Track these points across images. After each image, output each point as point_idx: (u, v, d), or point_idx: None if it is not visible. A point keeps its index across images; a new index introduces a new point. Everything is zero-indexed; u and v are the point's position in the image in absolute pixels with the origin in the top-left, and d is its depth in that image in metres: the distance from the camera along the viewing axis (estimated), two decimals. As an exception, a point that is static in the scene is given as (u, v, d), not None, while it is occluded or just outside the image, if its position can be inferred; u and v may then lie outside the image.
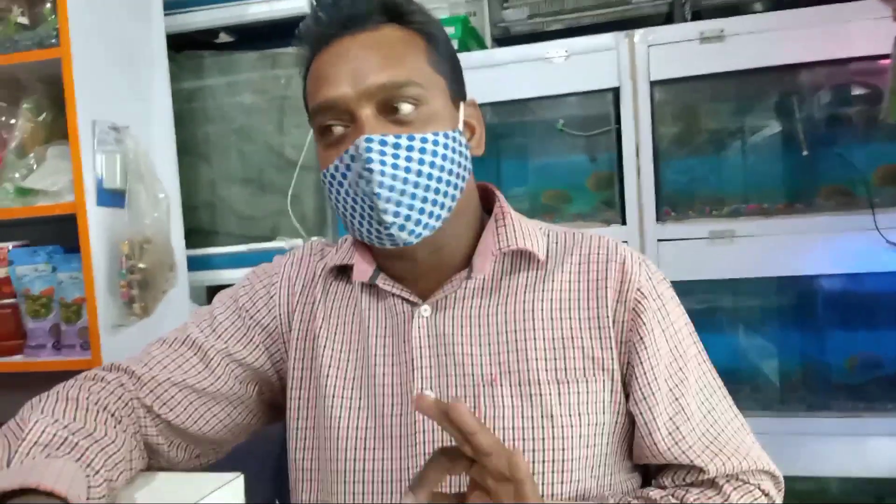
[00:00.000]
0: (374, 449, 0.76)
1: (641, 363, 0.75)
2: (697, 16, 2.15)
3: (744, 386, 2.20)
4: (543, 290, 0.78)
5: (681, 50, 2.07)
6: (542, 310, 0.77)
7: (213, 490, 0.63)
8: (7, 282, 1.52)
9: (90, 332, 1.40)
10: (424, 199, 0.72)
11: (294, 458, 0.82)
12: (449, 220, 0.75)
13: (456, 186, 0.74)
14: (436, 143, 0.72)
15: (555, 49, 2.16)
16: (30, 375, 1.52)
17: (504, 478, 0.59)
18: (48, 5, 1.39)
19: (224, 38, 1.95)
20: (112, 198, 1.43)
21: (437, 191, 0.72)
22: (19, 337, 1.53)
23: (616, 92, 2.15)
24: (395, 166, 0.70)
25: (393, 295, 0.80)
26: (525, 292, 0.78)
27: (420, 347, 0.77)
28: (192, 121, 1.79)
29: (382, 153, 0.69)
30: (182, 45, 1.82)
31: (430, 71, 0.75)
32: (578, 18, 2.25)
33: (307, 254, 0.90)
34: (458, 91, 0.79)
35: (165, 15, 1.65)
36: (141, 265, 1.43)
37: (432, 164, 0.71)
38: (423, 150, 0.71)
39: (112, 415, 0.72)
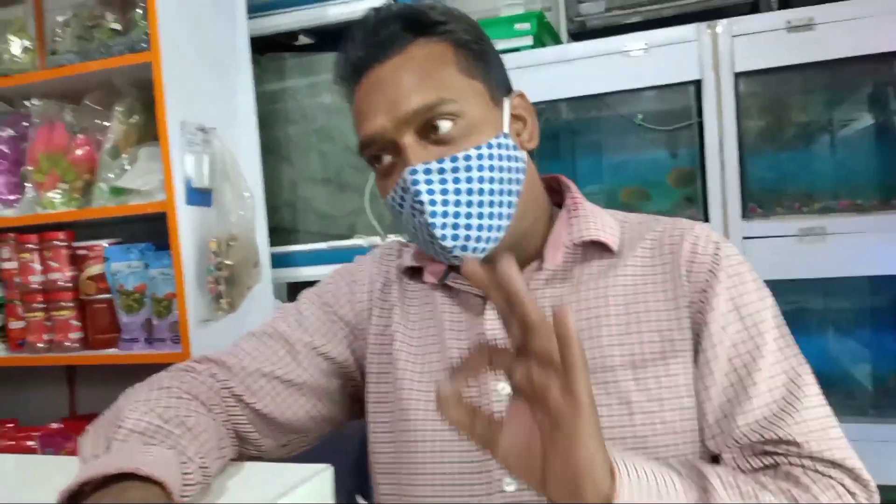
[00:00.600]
0: (451, 441, 0.76)
1: (703, 341, 0.72)
2: (785, 4, 2.06)
3: (835, 391, 2.10)
4: (616, 276, 0.76)
5: (767, 40, 2.00)
6: (616, 295, 0.75)
7: (303, 480, 0.64)
8: (103, 278, 1.59)
9: (180, 326, 1.45)
10: (481, 216, 0.71)
11: (374, 453, 0.83)
12: (514, 222, 0.75)
13: (511, 192, 0.74)
14: (480, 156, 0.71)
15: (633, 42, 2.11)
16: (124, 367, 1.59)
17: (552, 365, 0.51)
18: (139, 11, 1.45)
19: (304, 39, 1.99)
20: (200, 197, 1.48)
21: (491, 203, 0.72)
22: (114, 330, 1.60)
23: (698, 85, 2.09)
24: (443, 192, 0.70)
25: (464, 291, 0.81)
26: (597, 279, 0.77)
27: (494, 340, 0.76)
28: (274, 122, 1.84)
29: (429, 181, 0.70)
30: (264, 48, 1.87)
31: (463, 79, 0.74)
32: (658, 10, 2.19)
33: (386, 253, 0.91)
34: (499, 88, 0.78)
35: (249, 18, 1.70)
36: (228, 262, 1.47)
37: (481, 179, 0.71)
38: (468, 168, 0.71)
39: (203, 403, 0.75)
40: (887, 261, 1.91)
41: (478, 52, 0.76)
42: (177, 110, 1.43)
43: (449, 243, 0.71)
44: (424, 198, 0.70)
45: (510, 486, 0.72)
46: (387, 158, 0.75)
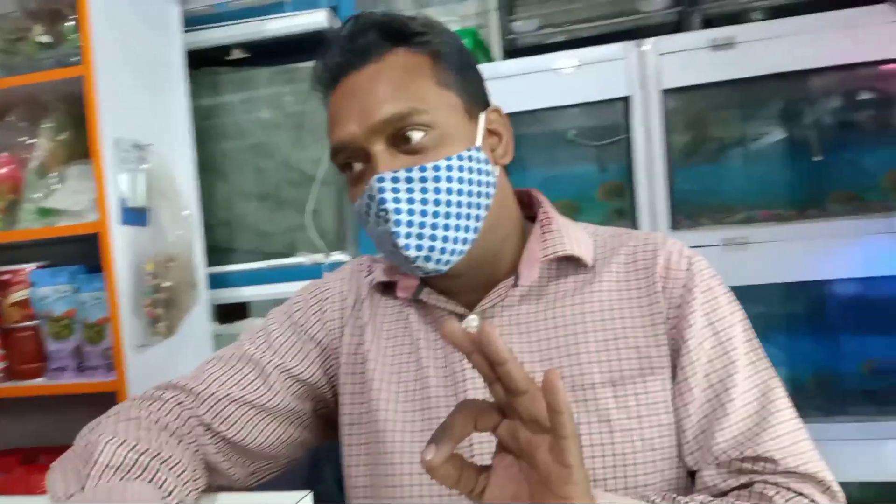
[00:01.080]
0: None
1: (681, 358, 0.73)
2: (708, 24, 2.16)
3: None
4: (592, 292, 0.77)
5: (692, 58, 2.09)
6: (592, 311, 0.75)
7: (285, 512, 0.63)
8: (27, 304, 1.49)
9: (115, 353, 1.38)
10: (447, 227, 0.71)
11: (350, 476, 0.81)
12: (482, 237, 0.74)
13: (479, 205, 0.73)
14: (449, 167, 0.71)
15: (565, 60, 2.16)
16: (52, 398, 1.50)
17: (539, 427, 0.52)
18: (70, 23, 1.38)
19: (237, 54, 1.94)
20: (135, 216, 1.42)
21: (458, 216, 0.71)
22: (41, 359, 1.51)
23: (626, 101, 2.16)
24: (409, 201, 0.69)
25: (439, 308, 0.80)
26: (573, 295, 0.77)
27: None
28: (209, 137, 1.78)
29: (395, 190, 0.69)
30: (197, 63, 1.82)
31: (438, 91, 0.73)
32: (588, 29, 2.25)
33: (356, 269, 0.90)
34: (475, 102, 0.77)
35: (183, 32, 1.64)
36: (166, 284, 1.41)
37: (449, 191, 0.71)
38: (437, 179, 0.70)
39: (173, 434, 0.71)
40: (807, 267, 2.02)
41: (456, 65, 0.76)
42: (110, 126, 1.37)
43: (412, 253, 0.70)
44: (389, 206, 0.69)
45: None
46: (357, 166, 0.74)
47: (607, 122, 2.22)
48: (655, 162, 2.14)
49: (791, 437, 0.72)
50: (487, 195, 0.74)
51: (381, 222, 0.70)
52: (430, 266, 0.72)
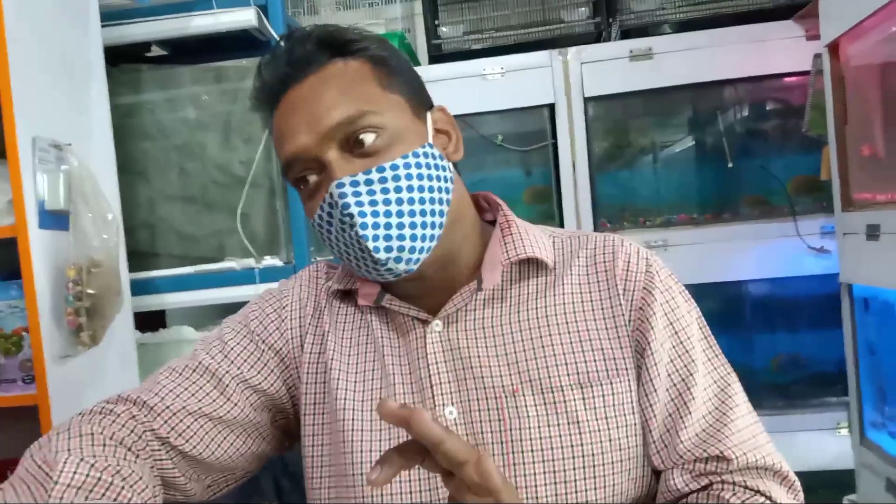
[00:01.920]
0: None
1: (646, 359, 0.74)
2: (625, 35, 2.24)
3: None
4: (555, 295, 0.77)
5: (612, 67, 2.16)
6: (556, 314, 0.75)
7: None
8: (-69, 314, 1.38)
9: (34, 364, 1.29)
10: (413, 225, 0.70)
11: (312, 489, 0.79)
12: (445, 234, 0.74)
13: (441, 201, 0.73)
14: (407, 165, 0.70)
15: (491, 66, 2.20)
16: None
17: (484, 490, 0.55)
18: (-20, 15, 1.29)
19: (157, 51, 1.87)
20: (55, 220, 1.34)
21: (423, 212, 0.71)
22: (-53, 373, 1.40)
23: (552, 108, 2.21)
24: (372, 203, 0.69)
25: (401, 314, 0.78)
26: (536, 299, 0.77)
27: (437, 363, 0.75)
28: (129, 137, 1.70)
29: (357, 194, 0.68)
30: (116, 59, 1.73)
31: (383, 93, 0.73)
32: (513, 36, 2.29)
33: (313, 276, 0.87)
34: (420, 102, 0.77)
35: (102, 27, 1.56)
36: (89, 291, 1.34)
37: (410, 188, 0.70)
38: (396, 178, 0.70)
39: (129, 449, 0.68)
40: (722, 269, 2.12)
41: (395, 68, 0.76)
42: (26, 124, 1.28)
43: (382, 255, 0.69)
44: (354, 210, 0.68)
45: None
46: (312, 178, 0.72)
47: (533, 128, 2.27)
48: (579, 167, 2.19)
49: (749, 432, 0.74)
50: (447, 190, 0.74)
51: (347, 228, 0.69)
52: (402, 267, 0.71)
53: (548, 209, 2.30)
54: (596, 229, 2.20)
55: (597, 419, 0.71)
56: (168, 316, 2.01)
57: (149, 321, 1.85)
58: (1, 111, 1.27)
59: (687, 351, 0.76)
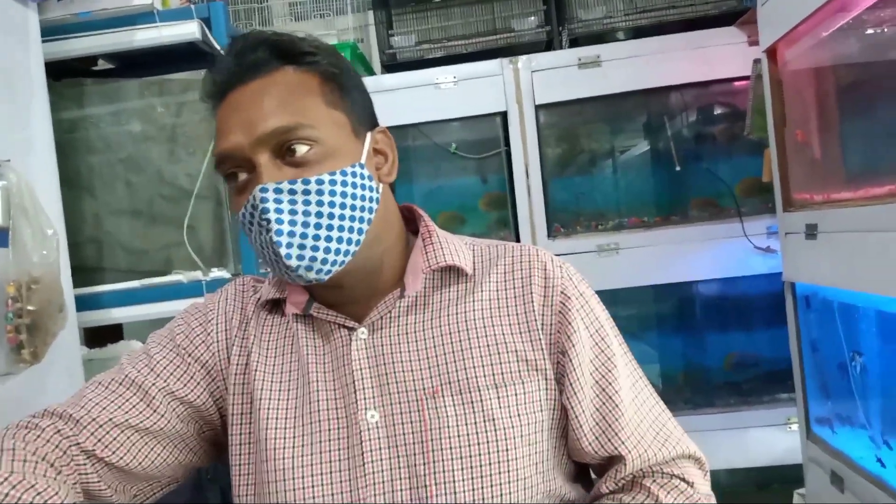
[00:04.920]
0: (319, 476, 0.75)
1: (570, 360, 0.78)
2: (574, 43, 2.28)
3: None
4: (474, 301, 0.80)
5: (561, 75, 2.19)
6: (475, 318, 0.79)
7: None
8: None
9: (-27, 383, 1.28)
10: (329, 239, 0.73)
11: (238, 495, 0.80)
12: (366, 248, 0.77)
13: (362, 220, 0.76)
14: (333, 182, 0.73)
15: (443, 75, 2.22)
16: None
17: None
18: (-88, 30, 1.28)
19: (103, 64, 1.86)
20: (-7, 236, 1.33)
21: (340, 228, 0.74)
22: None
23: (504, 116, 2.24)
24: (292, 212, 0.72)
25: (328, 322, 0.81)
26: (456, 304, 0.81)
27: (361, 369, 0.77)
28: (73, 151, 1.69)
29: (278, 201, 0.71)
30: (59, 73, 1.72)
31: (325, 109, 0.76)
32: (464, 45, 2.32)
33: (240, 290, 0.89)
34: (362, 122, 0.80)
35: (43, 41, 1.55)
36: (29, 307, 1.32)
37: (331, 204, 0.73)
38: (320, 192, 0.72)
39: (52, 465, 0.69)
40: (673, 270, 2.16)
41: (344, 86, 0.78)
42: (-37, 141, 1.28)
43: (293, 262, 0.72)
44: (271, 216, 0.71)
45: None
46: (242, 176, 0.75)
47: (487, 136, 2.30)
48: (532, 174, 2.22)
49: (662, 420, 0.82)
50: (370, 210, 0.77)
51: (263, 231, 0.72)
52: (311, 275, 0.73)
53: (504, 216, 2.32)
54: (549, 234, 2.22)
55: (510, 416, 0.76)
56: (125, 330, 1.99)
57: (107, 335, 1.83)
58: (-66, 128, 1.25)
59: (603, 351, 0.81)
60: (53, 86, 1.63)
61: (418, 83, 2.21)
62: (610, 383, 0.80)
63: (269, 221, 0.71)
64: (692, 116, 2.27)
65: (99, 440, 0.73)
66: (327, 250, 0.73)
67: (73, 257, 1.62)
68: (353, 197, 0.74)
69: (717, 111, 2.27)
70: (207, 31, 1.62)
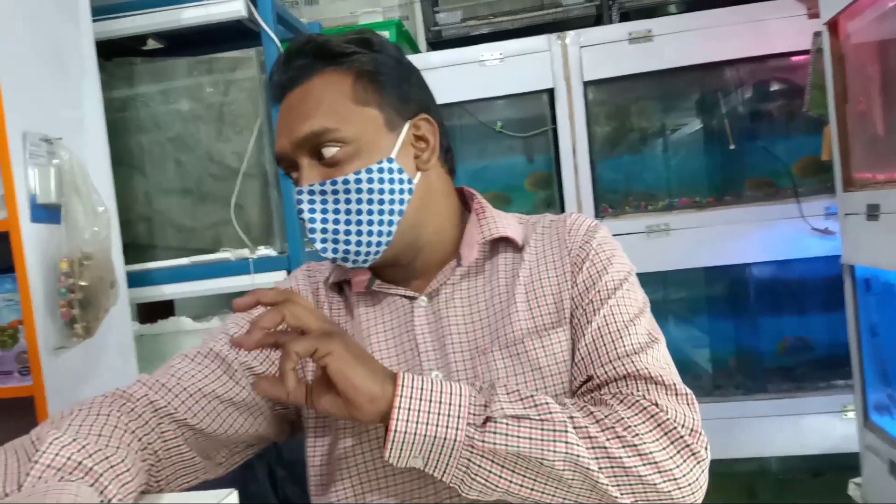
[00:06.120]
0: (380, 439, 0.80)
1: (573, 299, 0.83)
2: (625, 17, 2.21)
3: (681, 376, 2.26)
4: (522, 262, 0.87)
5: (611, 50, 2.14)
6: (521, 276, 0.85)
7: (211, 507, 0.62)
8: (-70, 308, 1.41)
9: (30, 356, 1.31)
10: (360, 233, 0.80)
11: (313, 465, 0.85)
12: (405, 235, 0.82)
13: (392, 212, 0.81)
14: (358, 180, 0.79)
15: (489, 52, 2.18)
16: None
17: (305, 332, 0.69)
18: (-31, 11, 1.30)
19: (153, 44, 1.88)
20: (47, 213, 1.35)
21: (370, 222, 0.80)
22: (-52, 366, 1.43)
23: (551, 93, 2.19)
24: (323, 211, 0.80)
25: (390, 295, 0.88)
26: (506, 270, 0.87)
27: (423, 334, 0.84)
28: (124, 130, 1.71)
29: (311, 201, 0.80)
30: (110, 53, 1.75)
31: (355, 108, 0.80)
32: (511, 21, 2.28)
33: (307, 275, 0.95)
34: (401, 112, 0.83)
35: (94, 21, 1.57)
36: (81, 283, 1.35)
37: (359, 201, 0.79)
38: (347, 191, 0.79)
39: (138, 437, 0.72)
40: (725, 252, 2.10)
41: (379, 81, 0.82)
42: (17, 119, 1.30)
43: (329, 255, 0.81)
44: (306, 216, 0.80)
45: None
46: (294, 175, 0.83)
47: (533, 114, 2.26)
48: (580, 153, 2.18)
49: (630, 348, 0.80)
50: (401, 202, 0.82)
51: (305, 228, 0.81)
52: (349, 265, 0.82)
53: (550, 196, 2.29)
54: (597, 214, 2.18)
55: (556, 363, 0.81)
56: (177, 306, 2.03)
57: (159, 312, 1.87)
58: (-9, 106, 1.28)
59: (605, 288, 0.83)
60: (104, 65, 1.66)
61: (464, 61, 2.18)
62: (597, 313, 0.81)
63: (304, 221, 0.80)
64: (748, 93, 2.19)
65: (189, 408, 0.77)
66: (359, 243, 0.80)
67: (124, 235, 1.65)
68: (382, 192, 0.80)
69: (774, 87, 2.19)
70: (253, 9, 1.62)
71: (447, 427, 0.68)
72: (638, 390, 0.75)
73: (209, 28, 1.71)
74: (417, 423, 0.68)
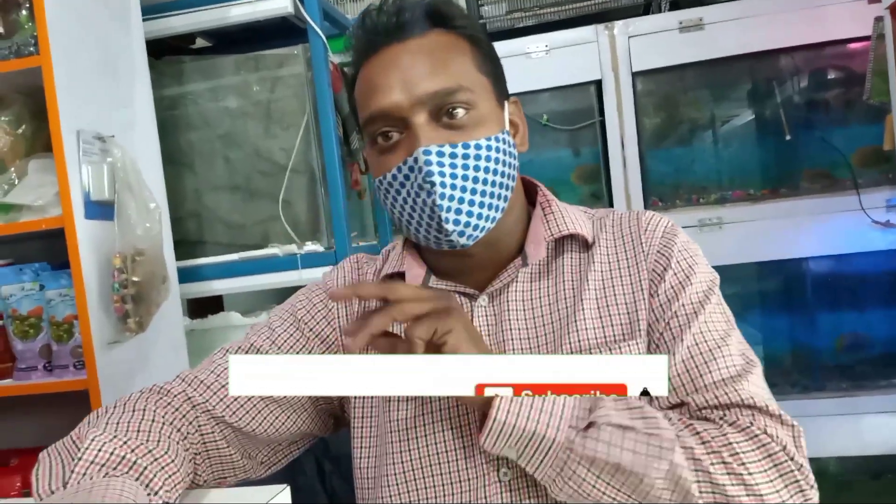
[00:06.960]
0: (438, 436, 0.77)
1: (654, 311, 0.78)
2: (675, 6, 2.16)
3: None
4: (591, 264, 0.81)
5: (661, 40, 2.09)
6: (591, 281, 0.79)
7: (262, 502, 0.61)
8: (-9, 303, 1.45)
9: (84, 351, 1.34)
10: (482, 205, 0.74)
11: (360, 467, 0.82)
12: (503, 216, 0.78)
13: (508, 187, 0.77)
14: (489, 147, 0.74)
15: (535, 44, 2.16)
16: (23, 399, 1.46)
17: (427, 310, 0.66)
18: (24, 13, 1.33)
19: (201, 42, 1.90)
20: (100, 210, 1.38)
21: (492, 194, 0.75)
22: (8, 360, 1.46)
23: (598, 84, 2.15)
24: (453, 175, 0.73)
25: (448, 291, 0.81)
26: (574, 272, 0.81)
27: (482, 336, 0.78)
28: (174, 128, 1.74)
29: (441, 164, 0.72)
30: (159, 52, 1.77)
31: (477, 74, 0.76)
32: (557, 13, 2.24)
33: (355, 266, 0.91)
34: (501, 91, 0.80)
35: (143, 20, 1.60)
36: (134, 278, 1.38)
37: (486, 170, 0.74)
38: (478, 157, 0.74)
39: (178, 429, 0.72)
40: (781, 246, 2.04)
41: (489, 54, 0.79)
42: (71, 118, 1.32)
43: (450, 226, 0.73)
44: (436, 179, 0.72)
45: (506, 475, 0.73)
46: (394, 135, 0.75)
47: (580, 106, 2.22)
48: (628, 145, 2.14)
49: (727, 373, 0.73)
50: (513, 178, 0.78)
51: (424, 194, 0.73)
52: (462, 240, 0.74)
53: (597, 189, 2.25)
54: (647, 208, 2.14)
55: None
56: (226, 301, 2.06)
57: (209, 307, 1.90)
58: (46, 106, 1.31)
59: (690, 303, 0.77)
60: (154, 64, 1.68)
61: (509, 53, 2.15)
62: (683, 338, 0.75)
63: (433, 184, 0.71)
64: (804, 81, 2.12)
65: (227, 406, 0.76)
66: (479, 216, 0.74)
67: (175, 231, 1.68)
68: (503, 164, 0.76)
69: (832, 75, 2.11)
70: (300, 5, 1.63)
71: (547, 425, 0.65)
72: (745, 419, 0.70)
73: (256, 26, 1.72)
74: (518, 415, 0.65)
